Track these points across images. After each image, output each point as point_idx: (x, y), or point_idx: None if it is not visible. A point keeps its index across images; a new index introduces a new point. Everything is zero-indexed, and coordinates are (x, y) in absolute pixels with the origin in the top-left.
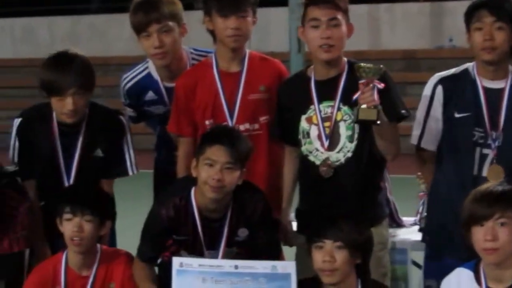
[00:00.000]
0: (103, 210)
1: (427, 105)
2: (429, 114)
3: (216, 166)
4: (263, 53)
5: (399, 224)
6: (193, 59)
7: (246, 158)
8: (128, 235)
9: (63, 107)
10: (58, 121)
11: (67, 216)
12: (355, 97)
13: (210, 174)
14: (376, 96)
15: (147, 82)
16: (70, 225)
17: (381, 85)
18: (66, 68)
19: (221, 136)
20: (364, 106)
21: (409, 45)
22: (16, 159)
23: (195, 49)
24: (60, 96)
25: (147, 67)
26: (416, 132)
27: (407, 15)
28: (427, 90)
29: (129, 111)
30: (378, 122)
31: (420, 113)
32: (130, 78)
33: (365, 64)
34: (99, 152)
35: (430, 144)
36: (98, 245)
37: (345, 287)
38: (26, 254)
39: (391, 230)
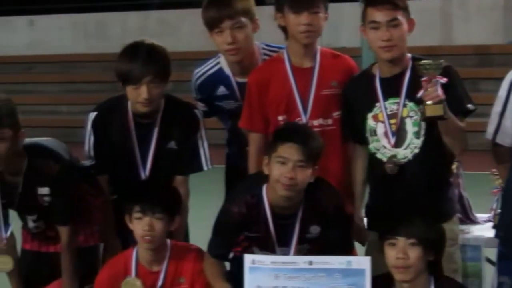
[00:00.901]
0: (173, 207)
1: (504, 100)
2: (505, 110)
3: (288, 164)
4: (334, 49)
5: (472, 221)
6: (264, 54)
7: (318, 155)
8: (199, 229)
9: (138, 96)
10: (133, 113)
11: (137, 215)
12: (419, 94)
13: (282, 172)
14: (440, 91)
15: (218, 77)
16: (141, 224)
17: (443, 80)
18: (142, 56)
19: (293, 133)
20: (429, 102)
21: (482, 40)
22: (92, 153)
23: (267, 45)
24: (135, 84)
25: (218, 62)
26: (491, 128)
27: (480, 10)
28: (504, 85)
29: (201, 106)
30: (446, 117)
31: (495, 108)
32: (201, 73)
33: (425, 61)
34: (173, 145)
35: (505, 139)
36: (168, 240)
37: (418, 284)
38: (100, 249)
39: (464, 227)
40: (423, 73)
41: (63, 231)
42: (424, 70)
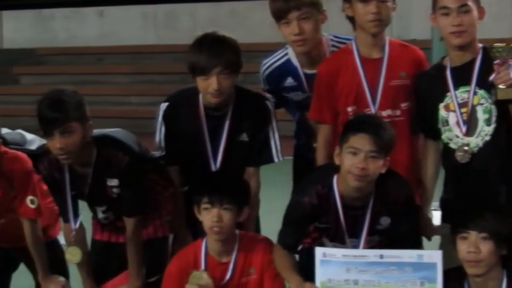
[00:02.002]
0: (241, 198)
1: None
2: None
3: (360, 155)
4: (404, 41)
5: None
6: (332, 46)
7: (390, 146)
8: (269, 221)
9: (208, 87)
10: (204, 106)
11: (205, 206)
12: (491, 78)
13: (354, 163)
14: None
15: (286, 68)
16: (209, 215)
17: None
18: (212, 47)
19: (365, 124)
20: (501, 86)
21: None
22: (162, 144)
23: (335, 36)
24: (205, 75)
25: (286, 53)
26: None
27: None
28: None
29: (269, 97)
30: None
31: None
32: (269, 64)
33: (497, 44)
34: (244, 137)
35: None
36: (237, 231)
37: (490, 278)
38: (170, 240)
39: None
40: (495, 56)
41: (129, 222)
42: (496, 54)
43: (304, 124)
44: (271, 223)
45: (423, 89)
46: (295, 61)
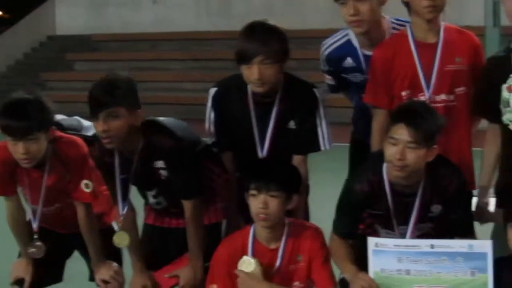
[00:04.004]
0: (289, 185)
1: None
2: None
3: (399, 145)
4: (459, 27)
5: None
6: (393, 28)
7: (434, 136)
8: (322, 208)
9: (251, 76)
10: (252, 92)
11: (252, 192)
12: None
13: (393, 153)
14: None
15: (346, 48)
16: (256, 201)
17: None
18: (254, 36)
19: (405, 114)
20: None
21: None
22: (212, 129)
23: (396, 19)
24: (247, 64)
25: (347, 34)
26: None
27: None
28: None
29: (328, 80)
30: None
31: None
32: (330, 44)
33: None
34: (292, 124)
35: None
36: (286, 218)
37: None
38: (223, 225)
39: None
40: None
41: (187, 206)
42: None
43: (363, 108)
44: (324, 210)
45: (488, 70)
46: (355, 42)
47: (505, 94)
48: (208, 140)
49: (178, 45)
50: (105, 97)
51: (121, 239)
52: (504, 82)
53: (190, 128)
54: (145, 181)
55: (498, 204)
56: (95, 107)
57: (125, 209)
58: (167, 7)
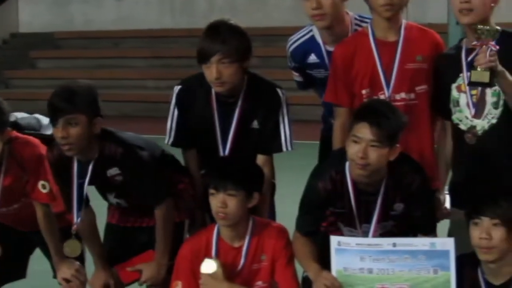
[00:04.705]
0: (248, 183)
1: None
2: None
3: (361, 144)
4: (421, 25)
5: None
6: (356, 25)
7: (396, 135)
8: (287, 205)
9: (210, 75)
10: (215, 91)
11: (211, 191)
12: (469, 58)
13: (355, 151)
14: (490, 58)
15: (310, 44)
16: (215, 200)
17: (495, 47)
18: (213, 35)
19: (368, 113)
20: (478, 68)
21: None
22: (174, 127)
23: (359, 16)
24: (205, 63)
25: (311, 30)
26: None
27: None
28: None
29: (296, 76)
30: (491, 84)
31: None
32: (294, 40)
33: (482, 26)
34: (255, 124)
35: None
36: (251, 216)
37: (504, 264)
38: (186, 225)
39: None
40: (479, 37)
41: (157, 210)
42: (481, 35)
43: (331, 106)
44: (290, 208)
45: (440, 68)
46: (319, 38)
47: (454, 93)
48: (168, 139)
49: (141, 42)
50: (64, 104)
51: (72, 248)
52: (454, 81)
53: (150, 141)
54: (103, 187)
55: (452, 203)
56: (54, 114)
57: (79, 218)
58: (130, 4)
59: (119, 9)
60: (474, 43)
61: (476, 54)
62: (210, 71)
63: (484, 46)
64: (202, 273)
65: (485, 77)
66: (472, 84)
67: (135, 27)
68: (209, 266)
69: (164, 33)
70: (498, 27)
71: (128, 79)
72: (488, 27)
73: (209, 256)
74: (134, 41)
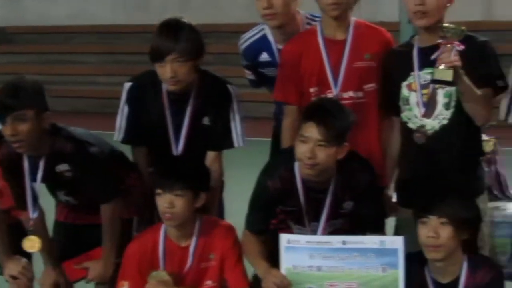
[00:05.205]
0: (196, 184)
1: None
2: None
3: (309, 144)
4: (372, 23)
5: (509, 198)
6: (307, 23)
7: (344, 134)
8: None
9: (164, 74)
10: (167, 89)
11: (158, 191)
12: (433, 57)
13: (303, 151)
14: (454, 57)
15: (262, 43)
16: (162, 201)
17: (460, 47)
18: (167, 34)
19: (315, 112)
20: (441, 67)
21: None
22: (124, 124)
23: (311, 14)
24: (160, 62)
25: (263, 29)
26: (503, 108)
27: None
28: None
29: (248, 74)
30: (456, 84)
31: (509, 89)
32: (246, 38)
33: (447, 25)
34: (206, 121)
35: None
36: (198, 215)
37: (451, 263)
38: (135, 222)
39: (500, 204)
40: (444, 36)
41: (104, 208)
42: (447, 34)
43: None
44: (239, 205)
45: (390, 65)
46: (270, 37)
47: (405, 92)
48: (117, 135)
49: (94, 38)
50: (10, 100)
51: (31, 244)
52: (405, 79)
53: (99, 137)
54: (52, 183)
55: (398, 201)
56: (1, 112)
57: (35, 213)
58: (84, 0)
59: (72, 4)
60: (439, 41)
61: (441, 53)
62: (165, 70)
63: (449, 45)
64: (150, 279)
65: (448, 76)
66: (434, 82)
67: (88, 23)
68: (158, 277)
69: (117, 29)
70: (463, 28)
71: (81, 75)
72: (453, 26)
73: (156, 257)
74: (87, 36)
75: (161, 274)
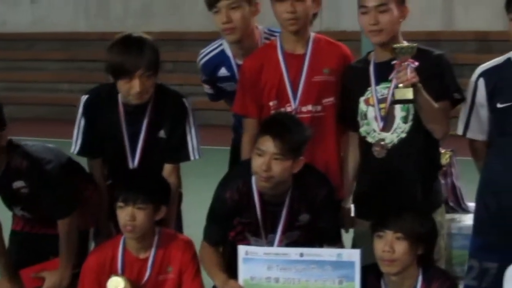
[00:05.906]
0: (157, 197)
1: (471, 98)
2: (473, 107)
3: (265, 157)
4: (334, 33)
5: (464, 210)
6: (265, 38)
7: (300, 148)
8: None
9: (131, 89)
10: (123, 102)
11: (119, 204)
12: (390, 77)
13: (259, 164)
14: (411, 74)
15: (220, 58)
16: (123, 213)
17: (415, 64)
18: (133, 50)
19: (271, 126)
20: (400, 86)
21: (483, 26)
22: (80, 137)
23: (269, 29)
24: (127, 78)
25: (221, 44)
26: (461, 123)
27: None
28: (470, 84)
29: (207, 88)
30: (417, 101)
31: (466, 105)
32: (205, 53)
33: (398, 45)
34: (162, 134)
35: (477, 134)
36: (157, 228)
37: (406, 276)
38: (90, 234)
39: (456, 216)
40: (398, 56)
41: (60, 222)
42: (400, 54)
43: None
44: (197, 215)
45: (348, 81)
46: (229, 52)
47: (362, 106)
48: (73, 148)
49: (56, 45)
50: None
51: None
52: (362, 95)
53: (57, 150)
54: (9, 199)
55: (356, 214)
56: None
57: None
58: (45, 7)
59: (34, 11)
60: (394, 62)
61: (397, 72)
62: (132, 85)
63: (403, 64)
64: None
65: (409, 94)
66: (396, 103)
67: (49, 30)
68: (116, 283)
69: (79, 36)
70: (414, 43)
71: (42, 82)
72: (404, 45)
73: (115, 269)
74: (48, 43)
75: (119, 280)
